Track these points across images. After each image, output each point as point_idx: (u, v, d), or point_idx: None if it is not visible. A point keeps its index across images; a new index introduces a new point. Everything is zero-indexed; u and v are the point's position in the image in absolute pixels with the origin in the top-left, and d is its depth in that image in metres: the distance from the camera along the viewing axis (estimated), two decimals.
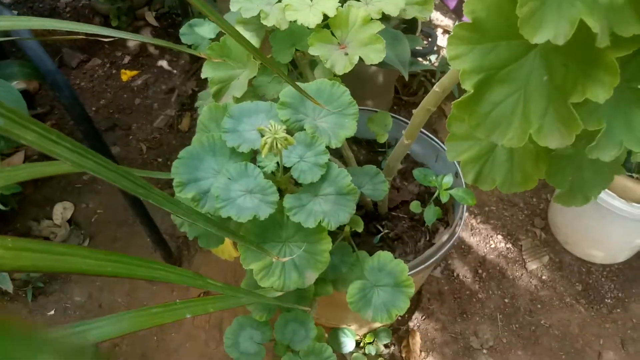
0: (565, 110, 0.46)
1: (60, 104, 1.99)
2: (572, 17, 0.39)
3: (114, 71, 2.13)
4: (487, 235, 1.57)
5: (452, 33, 0.48)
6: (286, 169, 0.76)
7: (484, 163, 0.65)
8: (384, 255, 0.83)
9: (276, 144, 0.64)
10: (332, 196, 0.75)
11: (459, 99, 0.50)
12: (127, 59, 2.17)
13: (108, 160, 0.47)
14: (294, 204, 0.73)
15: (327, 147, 0.75)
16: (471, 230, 1.58)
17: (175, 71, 2.12)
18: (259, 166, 0.74)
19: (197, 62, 2.10)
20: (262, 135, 0.66)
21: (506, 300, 1.45)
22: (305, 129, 0.76)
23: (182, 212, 0.57)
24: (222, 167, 0.76)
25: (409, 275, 0.81)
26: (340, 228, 0.86)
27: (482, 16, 0.47)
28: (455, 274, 1.50)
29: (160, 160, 1.82)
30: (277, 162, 0.76)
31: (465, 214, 1.09)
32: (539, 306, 1.43)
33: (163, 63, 2.15)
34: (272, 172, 0.77)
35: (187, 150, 0.78)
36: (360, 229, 0.98)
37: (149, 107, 1.99)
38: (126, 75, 2.12)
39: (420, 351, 1.37)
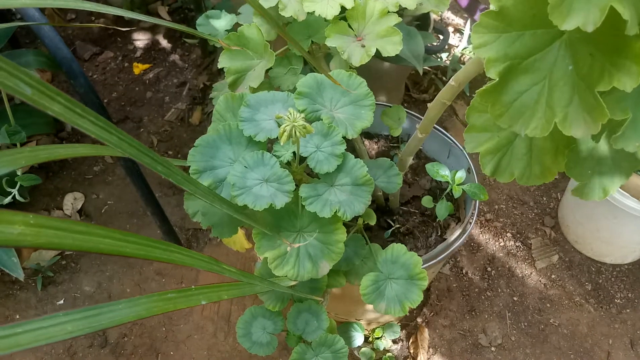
0: (591, 99, 0.45)
1: (74, 93, 2.00)
2: (602, 4, 0.39)
3: (126, 64, 2.14)
4: (497, 233, 1.56)
5: (478, 21, 0.48)
6: (302, 159, 0.76)
7: (502, 155, 0.65)
8: (398, 248, 0.83)
9: (295, 132, 0.64)
10: (348, 187, 0.75)
11: (483, 87, 0.50)
12: (139, 53, 2.17)
13: (129, 136, 0.47)
14: (310, 193, 0.73)
15: (343, 138, 0.75)
16: (480, 228, 1.57)
17: (186, 65, 2.13)
18: (275, 155, 0.75)
19: (208, 56, 2.11)
20: (280, 125, 0.66)
21: (515, 299, 1.44)
22: (322, 119, 0.76)
23: (201, 192, 0.57)
24: (238, 156, 0.76)
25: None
26: (353, 220, 0.86)
27: (508, 4, 0.47)
28: (464, 272, 1.49)
29: (170, 153, 1.83)
30: (294, 152, 0.76)
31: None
32: (548, 305, 1.43)
33: (175, 57, 2.16)
34: (288, 162, 0.77)
35: (203, 139, 0.78)
36: (373, 222, 0.98)
37: (160, 101, 1.99)
38: (138, 68, 2.13)
39: (429, 347, 1.37)
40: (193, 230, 1.61)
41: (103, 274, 1.52)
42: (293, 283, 0.74)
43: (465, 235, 1.02)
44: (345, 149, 0.75)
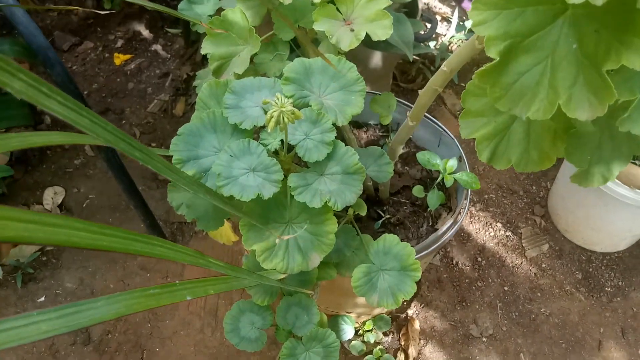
0: (597, 78, 0.43)
1: (52, 83, 1.95)
2: None
3: (106, 55, 2.08)
4: (487, 223, 1.55)
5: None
6: (290, 148, 0.73)
7: (499, 141, 0.62)
8: (390, 239, 0.80)
9: (283, 118, 0.60)
10: (339, 175, 0.72)
11: (482, 68, 0.47)
12: (120, 43, 2.12)
13: (103, 120, 0.44)
14: (299, 183, 0.70)
15: (333, 125, 0.72)
16: (470, 218, 1.56)
17: (169, 56, 2.08)
18: (262, 144, 0.71)
19: (191, 46, 2.06)
20: (267, 111, 0.63)
21: (506, 289, 1.43)
22: (310, 106, 0.73)
23: (185, 182, 0.54)
24: (223, 145, 0.73)
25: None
26: (343, 211, 0.84)
27: None
28: (454, 262, 1.48)
29: (154, 145, 1.78)
30: (281, 140, 0.73)
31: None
32: (538, 294, 1.42)
33: (157, 47, 2.11)
34: (276, 151, 0.74)
35: (186, 127, 0.75)
36: (363, 213, 0.95)
37: (143, 92, 1.94)
38: (119, 59, 2.07)
39: (420, 339, 1.35)
40: (178, 224, 1.57)
41: (85, 270, 1.48)
42: (282, 276, 0.72)
43: (457, 225, 1.00)
44: (335, 137, 0.72)
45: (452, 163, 1.04)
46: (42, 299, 1.44)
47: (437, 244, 0.97)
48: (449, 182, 1.03)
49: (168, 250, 0.54)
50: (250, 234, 0.71)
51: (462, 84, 1.83)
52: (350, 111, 0.74)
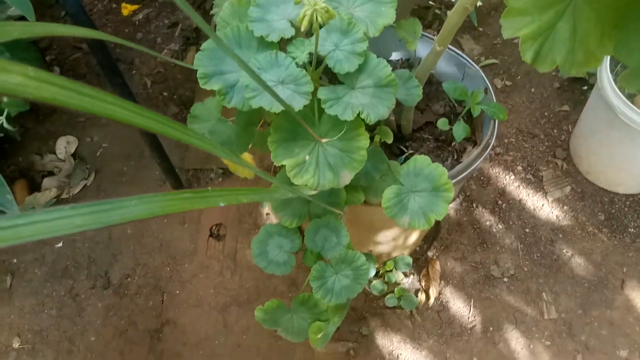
0: None
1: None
2: None
3: (114, 5, 2.03)
4: (507, 166, 1.52)
5: None
6: (319, 62, 0.70)
7: (544, 40, 0.59)
8: (421, 160, 0.78)
9: (316, 17, 0.57)
10: (370, 89, 0.69)
11: None
12: None
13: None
14: (330, 96, 0.67)
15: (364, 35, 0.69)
16: (490, 162, 1.53)
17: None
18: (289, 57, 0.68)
19: None
20: (294, 22, 0.60)
21: (527, 230, 1.41)
22: (340, 16, 0.70)
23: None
24: (249, 60, 0.70)
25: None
26: (370, 138, 0.81)
27: None
28: (474, 205, 1.46)
29: (165, 94, 1.75)
30: (309, 54, 0.70)
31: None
32: (560, 236, 1.40)
33: None
34: (303, 66, 0.71)
35: (209, 43, 0.72)
36: (389, 140, 0.93)
37: (152, 42, 1.90)
38: (127, 9, 2.02)
39: (440, 280, 1.34)
40: (193, 171, 1.55)
41: None
42: (313, 192, 0.70)
43: (486, 152, 0.97)
44: (366, 48, 0.69)
45: (479, 93, 1.01)
46: (60, 244, 1.43)
47: (465, 172, 0.95)
48: (475, 112, 1.00)
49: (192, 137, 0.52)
50: (279, 150, 0.69)
51: (481, 29, 1.78)
52: (382, 22, 0.71)
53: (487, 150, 0.97)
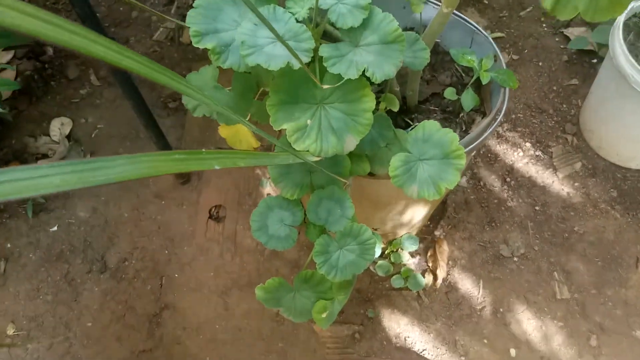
0: None
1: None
2: None
3: None
4: (515, 143, 1.47)
5: None
6: (319, 21, 0.65)
7: None
8: (430, 125, 0.73)
9: None
10: (376, 46, 0.64)
11: None
12: None
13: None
14: (332, 53, 0.62)
15: None
16: (498, 138, 1.48)
17: None
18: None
19: None
20: None
21: (537, 208, 1.36)
22: None
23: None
24: (244, 17, 0.65)
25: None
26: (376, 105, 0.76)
27: None
28: (481, 183, 1.41)
29: None
30: (309, 9, 0.64)
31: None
32: (571, 213, 1.35)
33: None
34: (303, 23, 0.66)
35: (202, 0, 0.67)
36: (395, 108, 0.88)
37: (147, 20, 1.85)
38: None
39: (448, 260, 1.30)
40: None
41: (98, 199, 1.43)
42: (316, 159, 0.65)
43: (497, 121, 0.92)
44: (370, 2, 0.63)
45: (488, 59, 0.96)
46: (55, 228, 1.39)
47: (480, 139, 0.90)
48: (485, 79, 0.95)
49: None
50: (279, 114, 0.64)
51: (486, 1, 1.72)
52: None
53: (498, 119, 0.92)
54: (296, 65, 0.60)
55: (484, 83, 0.95)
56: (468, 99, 0.97)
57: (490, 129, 0.91)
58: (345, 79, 0.61)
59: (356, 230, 0.72)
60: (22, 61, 1.73)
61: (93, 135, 1.56)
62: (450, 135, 0.72)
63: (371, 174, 0.90)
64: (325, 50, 0.62)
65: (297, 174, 0.73)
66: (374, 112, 0.67)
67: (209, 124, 1.54)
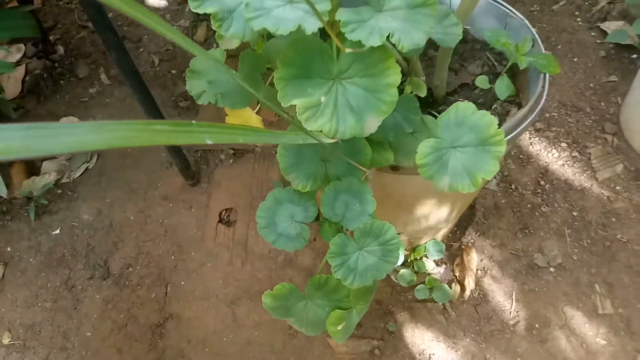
0: None
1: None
2: None
3: None
4: (549, 143, 1.36)
5: None
6: None
7: None
8: (464, 107, 0.63)
9: None
10: (402, 10, 0.55)
11: None
12: None
13: None
14: (352, 18, 0.53)
15: None
16: (530, 139, 1.37)
17: None
18: None
19: None
20: None
21: (575, 214, 1.25)
22: None
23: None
24: None
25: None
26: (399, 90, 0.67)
27: None
28: (513, 186, 1.30)
29: (174, 72, 1.63)
30: None
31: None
32: (613, 220, 1.23)
33: None
34: None
35: None
36: (422, 94, 0.79)
37: (161, 19, 1.78)
38: None
39: (477, 270, 1.18)
40: (202, 152, 1.42)
41: (103, 201, 1.35)
42: (331, 141, 0.55)
43: (538, 108, 0.82)
44: None
45: (525, 42, 0.86)
46: (57, 231, 1.31)
47: (522, 125, 0.79)
48: (523, 64, 0.85)
49: None
50: (288, 89, 0.55)
51: None
52: None
53: (540, 105, 0.82)
54: (309, 28, 0.51)
55: (521, 68, 0.85)
56: (503, 87, 0.87)
57: (531, 117, 0.81)
58: (367, 47, 0.52)
59: (378, 229, 0.62)
60: (32, 60, 1.68)
61: None
62: (487, 118, 0.62)
63: (394, 168, 0.80)
64: (343, 14, 0.53)
65: (310, 164, 0.64)
66: (399, 93, 0.57)
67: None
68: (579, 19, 1.57)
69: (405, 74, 0.86)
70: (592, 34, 1.53)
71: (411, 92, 0.76)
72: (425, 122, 0.70)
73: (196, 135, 0.42)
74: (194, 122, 0.42)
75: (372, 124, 0.56)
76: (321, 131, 0.54)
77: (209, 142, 0.42)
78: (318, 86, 0.56)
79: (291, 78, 0.55)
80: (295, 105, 0.54)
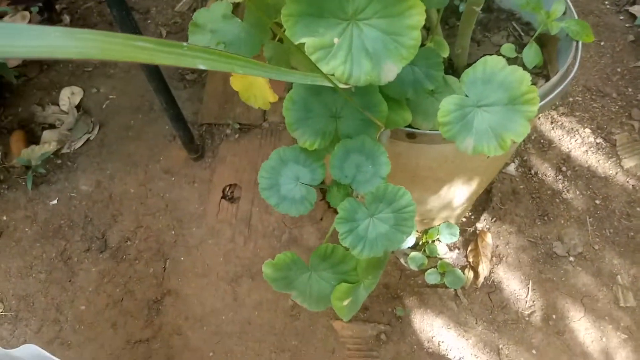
0: None
1: None
2: None
3: None
4: (572, 129, 1.29)
5: None
6: None
7: None
8: (493, 61, 0.56)
9: None
10: None
11: None
12: None
13: None
14: None
15: None
16: (552, 123, 1.30)
17: None
18: None
19: None
20: None
21: (597, 202, 1.18)
22: None
23: None
24: None
25: None
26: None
27: None
28: (532, 172, 1.23)
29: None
30: None
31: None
32: (638, 209, 1.16)
33: None
34: None
35: None
36: (445, 54, 0.72)
37: None
38: None
39: (492, 256, 1.12)
40: (207, 126, 1.37)
41: (103, 172, 1.30)
42: (344, 86, 0.49)
43: (571, 76, 0.75)
44: None
45: (559, 6, 0.80)
46: (55, 201, 1.26)
47: (553, 93, 0.73)
48: (554, 30, 0.79)
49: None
50: (297, 27, 0.49)
51: None
52: None
53: (571, 75, 0.75)
54: None
55: (552, 33, 0.78)
56: (531, 54, 0.81)
57: (562, 86, 0.74)
58: None
59: (392, 194, 0.56)
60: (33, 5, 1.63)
61: (104, 106, 1.44)
62: (519, 74, 0.55)
63: (410, 136, 0.74)
64: None
65: (319, 119, 0.58)
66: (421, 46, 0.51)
67: (229, 98, 1.40)
68: (606, 2, 1.49)
69: (426, 31, 0.80)
70: (621, 17, 1.46)
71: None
72: (448, 82, 0.64)
73: (187, 59, 0.36)
74: (185, 44, 0.37)
75: (390, 71, 0.50)
76: (333, 75, 0.48)
77: (202, 67, 0.36)
78: (331, 27, 0.50)
79: (301, 15, 0.49)
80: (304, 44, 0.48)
